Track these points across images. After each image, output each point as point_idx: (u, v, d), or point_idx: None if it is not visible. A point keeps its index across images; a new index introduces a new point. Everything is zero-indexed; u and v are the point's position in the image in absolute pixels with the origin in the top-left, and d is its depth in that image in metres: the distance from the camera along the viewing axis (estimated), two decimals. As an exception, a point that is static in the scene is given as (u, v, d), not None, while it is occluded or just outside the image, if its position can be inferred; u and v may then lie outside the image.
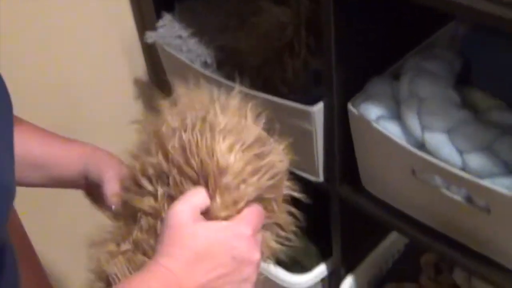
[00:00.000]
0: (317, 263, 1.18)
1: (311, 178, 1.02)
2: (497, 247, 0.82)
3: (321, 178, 1.01)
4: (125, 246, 0.65)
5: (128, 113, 1.28)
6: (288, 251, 1.15)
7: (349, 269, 1.15)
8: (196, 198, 0.61)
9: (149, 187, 0.65)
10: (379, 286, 1.19)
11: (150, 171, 0.65)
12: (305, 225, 1.13)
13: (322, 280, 1.20)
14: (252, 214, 0.63)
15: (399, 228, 0.95)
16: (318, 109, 0.90)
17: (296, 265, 1.19)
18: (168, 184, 0.63)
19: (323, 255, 1.19)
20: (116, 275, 0.62)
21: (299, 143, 0.99)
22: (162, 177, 0.64)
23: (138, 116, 0.76)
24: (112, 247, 0.66)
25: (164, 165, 0.63)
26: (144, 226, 0.64)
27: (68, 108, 1.21)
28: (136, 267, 0.62)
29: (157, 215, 0.63)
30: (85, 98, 1.24)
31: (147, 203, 0.64)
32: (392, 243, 1.21)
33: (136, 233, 0.64)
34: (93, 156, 0.75)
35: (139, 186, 0.66)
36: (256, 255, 0.61)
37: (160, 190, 0.63)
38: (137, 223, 0.65)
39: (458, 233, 0.87)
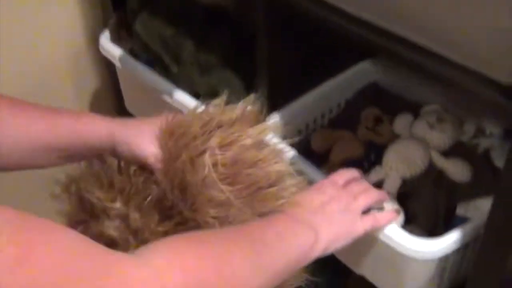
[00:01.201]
0: (240, 99, 1.04)
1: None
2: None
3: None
4: None
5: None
6: (209, 80, 1.02)
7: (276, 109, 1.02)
8: None
9: None
10: (310, 135, 1.05)
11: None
12: (227, 53, 1.01)
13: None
14: None
15: (329, 21, 0.80)
16: None
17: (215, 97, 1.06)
18: None
19: (249, 91, 1.04)
20: None
21: None
22: None
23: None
24: None
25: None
26: None
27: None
28: None
29: None
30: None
31: None
32: (329, 93, 1.08)
33: None
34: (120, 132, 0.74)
35: None
36: None
37: None
38: None
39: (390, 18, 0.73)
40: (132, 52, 1.15)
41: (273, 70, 0.99)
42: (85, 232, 0.68)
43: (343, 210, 0.74)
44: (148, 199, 0.69)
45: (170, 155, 0.69)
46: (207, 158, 0.66)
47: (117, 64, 1.15)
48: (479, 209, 0.89)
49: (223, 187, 0.66)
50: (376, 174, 0.92)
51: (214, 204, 0.67)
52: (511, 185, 0.63)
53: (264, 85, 1.00)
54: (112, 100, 1.37)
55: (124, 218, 0.69)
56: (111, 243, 0.67)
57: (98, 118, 0.74)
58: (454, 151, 0.95)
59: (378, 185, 0.91)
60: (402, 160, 0.91)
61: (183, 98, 1.04)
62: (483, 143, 0.94)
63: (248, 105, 0.76)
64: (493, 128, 0.97)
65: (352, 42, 0.82)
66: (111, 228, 0.68)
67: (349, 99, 1.11)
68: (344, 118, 1.09)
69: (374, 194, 0.80)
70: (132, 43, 1.15)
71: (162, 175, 0.69)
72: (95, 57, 1.33)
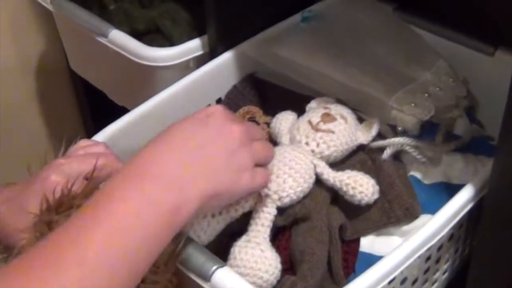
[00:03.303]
0: (189, 36, 0.87)
1: None
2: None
3: None
4: None
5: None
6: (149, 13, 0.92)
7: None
8: None
9: None
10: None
11: None
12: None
13: (197, 58, 0.86)
14: None
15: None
16: None
17: (156, 35, 0.91)
18: None
19: (199, 28, 0.87)
20: None
21: None
22: None
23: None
24: None
25: None
26: None
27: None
28: None
29: None
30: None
31: None
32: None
33: None
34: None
35: None
36: None
37: None
38: None
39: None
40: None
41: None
42: None
43: (231, 156, 0.54)
44: None
45: None
46: None
47: (50, 8, 1.01)
48: (391, 243, 0.62)
49: None
50: (240, 205, 0.62)
51: None
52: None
53: (214, 18, 0.82)
54: (59, 61, 1.24)
55: None
56: None
57: None
58: (352, 160, 0.67)
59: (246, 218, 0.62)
60: (276, 179, 0.62)
61: (119, 37, 0.89)
62: (392, 145, 0.66)
63: None
64: (407, 124, 0.69)
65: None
66: None
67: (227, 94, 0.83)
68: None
69: (271, 147, 0.61)
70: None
71: None
72: (37, 15, 1.19)
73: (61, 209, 0.51)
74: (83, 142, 0.64)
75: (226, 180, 0.54)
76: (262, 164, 0.59)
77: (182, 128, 0.55)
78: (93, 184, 0.54)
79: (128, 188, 0.48)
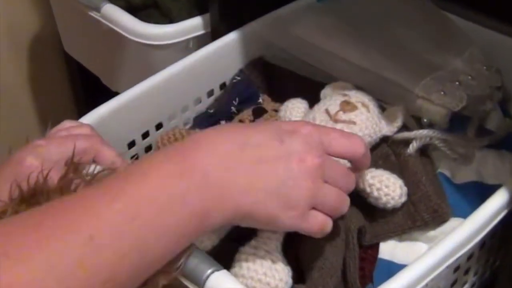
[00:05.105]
0: (189, 14, 0.84)
1: None
2: None
3: None
4: None
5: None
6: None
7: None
8: None
9: None
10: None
11: None
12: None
13: (197, 38, 0.82)
14: None
15: None
16: None
17: (154, 11, 0.86)
18: None
19: (200, 6, 0.84)
20: None
21: None
22: None
23: None
24: None
25: None
26: None
27: None
28: None
29: None
30: None
31: None
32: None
33: None
34: None
35: None
36: None
37: None
38: None
39: None
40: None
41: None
42: None
43: (285, 183, 0.46)
44: None
45: None
46: None
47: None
48: (415, 250, 0.54)
49: None
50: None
51: None
52: None
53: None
54: (53, 42, 1.21)
55: None
56: None
57: None
58: (374, 156, 0.59)
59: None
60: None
61: (113, 12, 0.85)
62: (419, 138, 0.59)
63: None
64: (434, 115, 0.61)
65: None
66: None
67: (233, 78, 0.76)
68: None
69: (346, 200, 0.50)
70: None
71: None
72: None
73: (33, 200, 0.44)
74: (67, 123, 0.57)
75: (268, 206, 0.46)
76: (327, 213, 0.49)
77: (245, 128, 0.50)
78: (73, 171, 0.47)
79: (167, 169, 0.44)
